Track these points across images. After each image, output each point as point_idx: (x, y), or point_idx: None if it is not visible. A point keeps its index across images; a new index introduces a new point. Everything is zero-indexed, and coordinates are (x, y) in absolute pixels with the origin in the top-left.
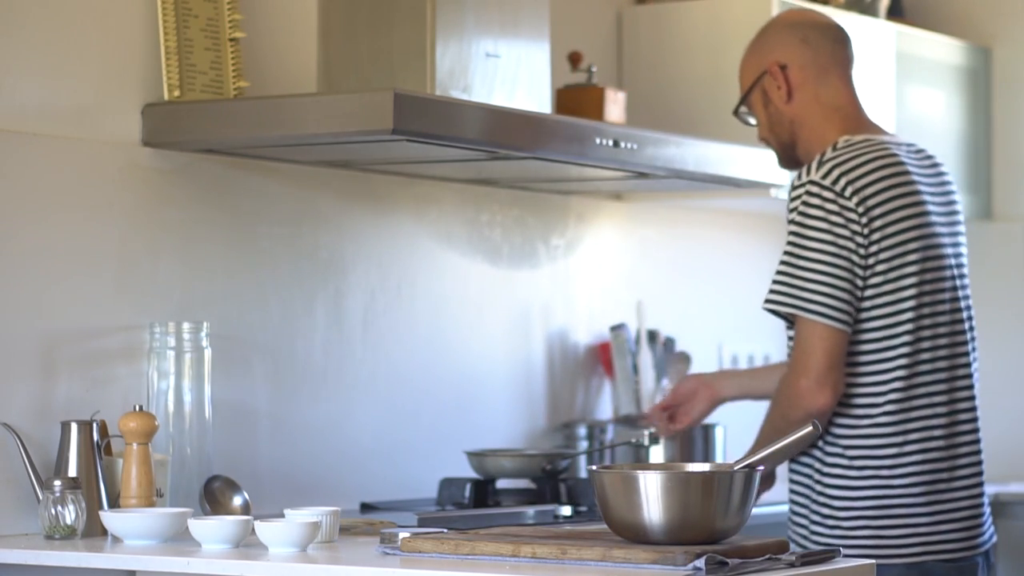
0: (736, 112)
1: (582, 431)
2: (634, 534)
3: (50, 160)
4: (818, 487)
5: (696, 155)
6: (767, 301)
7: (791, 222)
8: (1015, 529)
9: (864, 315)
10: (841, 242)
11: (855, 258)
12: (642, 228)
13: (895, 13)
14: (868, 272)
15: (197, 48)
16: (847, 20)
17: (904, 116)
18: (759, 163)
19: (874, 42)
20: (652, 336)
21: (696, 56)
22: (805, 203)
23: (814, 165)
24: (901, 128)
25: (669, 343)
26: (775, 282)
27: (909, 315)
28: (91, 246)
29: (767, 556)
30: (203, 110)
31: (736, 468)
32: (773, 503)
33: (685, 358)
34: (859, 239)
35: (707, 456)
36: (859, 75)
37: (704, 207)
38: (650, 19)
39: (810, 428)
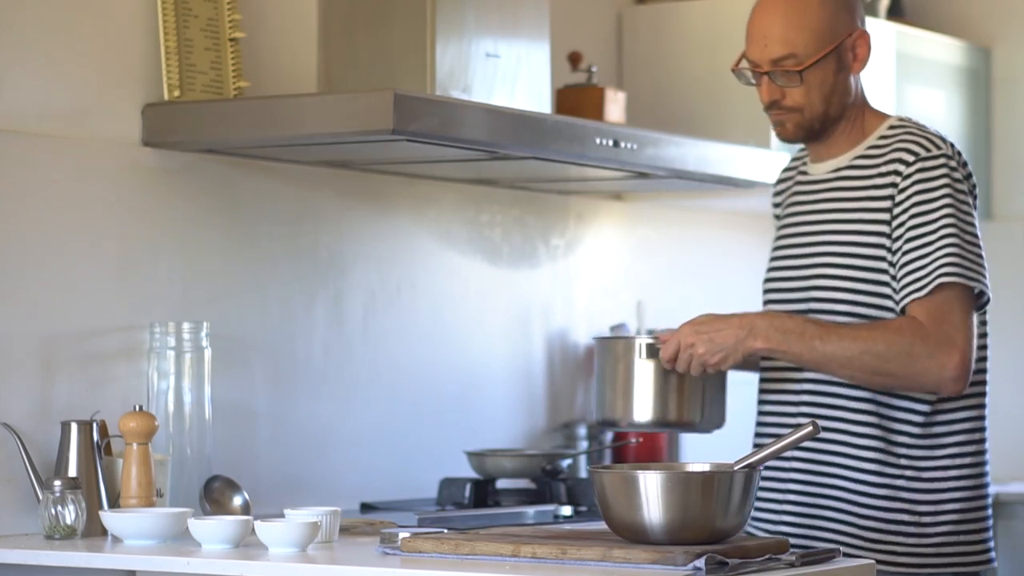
0: (768, 72)
1: (582, 431)
2: (634, 534)
3: (50, 160)
4: (903, 491)
5: (696, 155)
6: (956, 276)
7: (940, 188)
8: (1015, 529)
9: None
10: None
11: None
12: (642, 228)
13: (895, 13)
14: None
15: (197, 48)
16: None
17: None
18: (759, 163)
19: (874, 42)
20: None
21: (696, 56)
22: (952, 178)
23: (934, 139)
24: None
25: None
26: (950, 255)
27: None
28: (91, 246)
29: (767, 556)
30: (203, 110)
31: (736, 468)
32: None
33: None
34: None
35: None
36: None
37: (704, 207)
38: (650, 19)
39: (809, 428)
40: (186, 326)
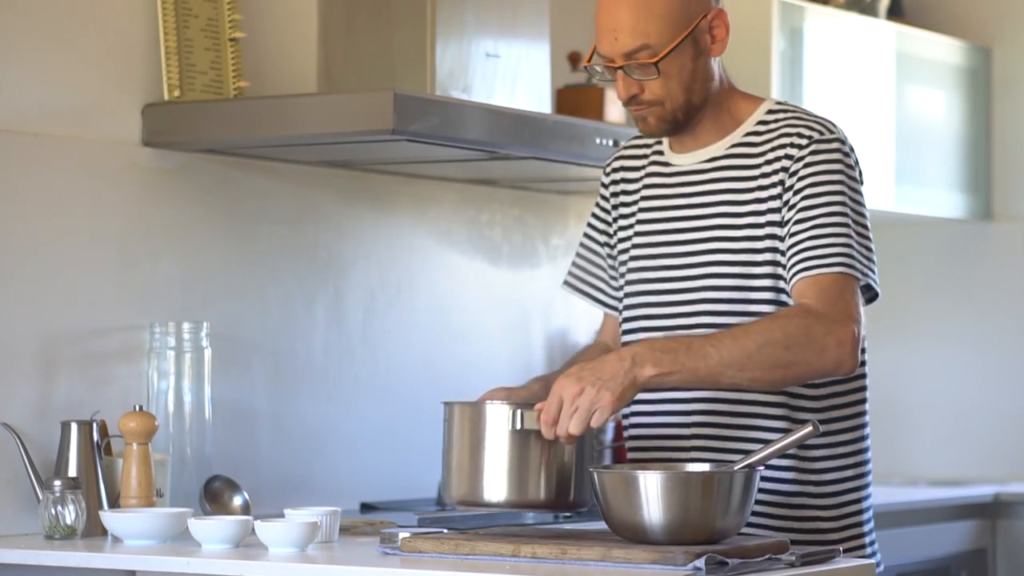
0: (622, 67)
1: None
2: (634, 534)
3: (50, 160)
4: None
5: None
6: (848, 267)
7: (835, 173)
8: (1015, 529)
9: None
10: None
11: None
12: None
13: (895, 13)
14: None
15: (197, 48)
16: (847, 20)
17: (904, 116)
18: None
19: (874, 42)
20: None
21: None
22: (845, 163)
23: (826, 123)
24: (901, 128)
25: None
26: (845, 245)
27: None
28: (91, 246)
29: (767, 556)
30: (203, 110)
31: (736, 468)
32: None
33: None
34: None
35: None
36: (859, 75)
37: None
38: None
39: (810, 428)
40: (186, 326)
